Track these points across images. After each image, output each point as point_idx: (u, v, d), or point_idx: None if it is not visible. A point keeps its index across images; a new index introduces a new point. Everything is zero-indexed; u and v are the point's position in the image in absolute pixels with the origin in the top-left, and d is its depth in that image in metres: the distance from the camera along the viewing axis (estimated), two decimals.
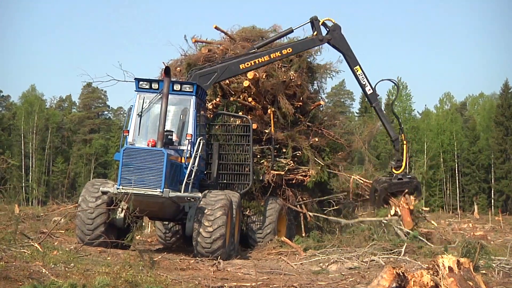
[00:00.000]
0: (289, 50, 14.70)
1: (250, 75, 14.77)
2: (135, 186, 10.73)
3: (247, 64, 14.15)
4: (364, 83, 15.28)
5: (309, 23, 15.07)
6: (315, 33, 14.95)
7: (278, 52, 14.49)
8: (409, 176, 15.51)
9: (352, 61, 15.24)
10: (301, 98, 16.28)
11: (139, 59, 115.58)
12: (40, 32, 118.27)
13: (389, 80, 16.46)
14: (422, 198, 14.15)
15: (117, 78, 14.51)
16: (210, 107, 15.24)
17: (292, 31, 15.39)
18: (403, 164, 15.06)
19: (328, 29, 15.08)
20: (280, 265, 11.19)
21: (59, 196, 58.85)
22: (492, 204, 61.16)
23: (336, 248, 12.42)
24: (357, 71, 15.21)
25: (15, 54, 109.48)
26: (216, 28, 16.68)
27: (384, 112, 16.41)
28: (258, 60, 14.25)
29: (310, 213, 15.85)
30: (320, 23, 14.99)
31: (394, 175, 14.98)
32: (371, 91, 15.32)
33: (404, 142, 15.40)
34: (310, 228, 15.81)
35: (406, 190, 14.68)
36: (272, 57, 14.43)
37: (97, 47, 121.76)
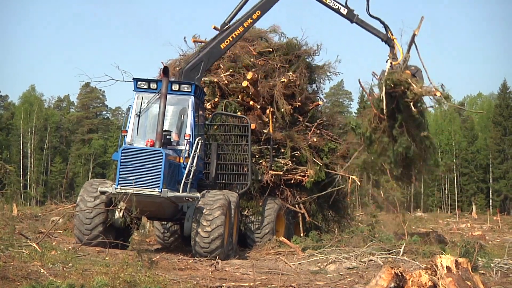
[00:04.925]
0: (258, 13, 14.52)
1: (249, 75, 14.74)
2: (134, 186, 10.74)
3: (227, 42, 14.11)
4: (336, 7, 14.75)
5: None
6: None
7: (249, 18, 14.38)
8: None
9: None
10: (299, 98, 16.24)
11: (137, 59, 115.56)
12: (39, 32, 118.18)
13: None
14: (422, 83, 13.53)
15: (115, 78, 14.54)
16: (209, 107, 15.22)
17: None
18: (401, 55, 14.39)
19: None
20: (278, 265, 11.19)
21: (58, 196, 58.73)
22: (490, 204, 61.24)
23: (334, 248, 12.42)
24: None
25: (14, 54, 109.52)
26: (215, 28, 16.62)
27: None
28: (235, 34, 14.19)
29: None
30: None
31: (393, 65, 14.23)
32: (346, 10, 14.77)
33: (393, 37, 14.78)
34: (309, 228, 15.80)
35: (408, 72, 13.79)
36: (245, 25, 14.36)
37: (96, 46, 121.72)
